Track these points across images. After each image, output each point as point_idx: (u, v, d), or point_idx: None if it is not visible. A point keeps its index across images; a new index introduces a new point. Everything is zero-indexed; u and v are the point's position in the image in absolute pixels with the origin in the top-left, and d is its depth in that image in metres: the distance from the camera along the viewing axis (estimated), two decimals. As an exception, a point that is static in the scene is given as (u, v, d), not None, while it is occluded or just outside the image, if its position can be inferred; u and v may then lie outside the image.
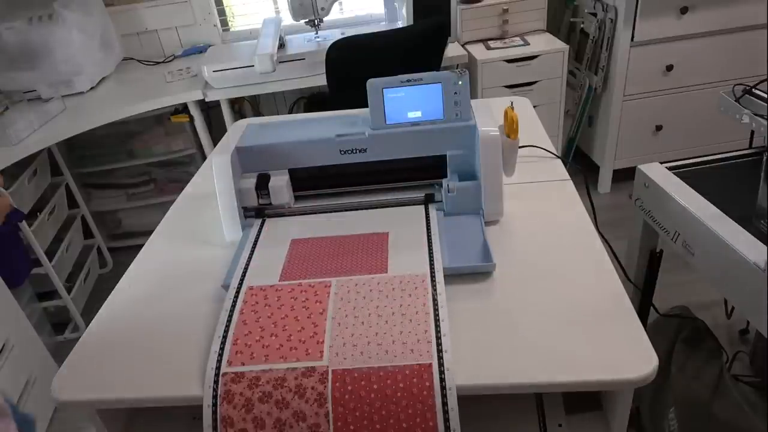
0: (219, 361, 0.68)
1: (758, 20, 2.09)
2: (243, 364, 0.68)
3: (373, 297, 0.74)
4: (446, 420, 0.62)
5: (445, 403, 0.62)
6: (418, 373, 0.64)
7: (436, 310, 0.71)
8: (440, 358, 0.65)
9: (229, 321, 0.74)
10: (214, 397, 0.66)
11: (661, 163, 1.23)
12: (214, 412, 0.65)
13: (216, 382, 0.67)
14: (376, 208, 0.95)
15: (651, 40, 2.11)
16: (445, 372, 0.63)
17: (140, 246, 0.99)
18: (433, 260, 0.80)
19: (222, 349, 0.70)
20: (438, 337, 0.67)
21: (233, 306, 0.76)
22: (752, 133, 1.21)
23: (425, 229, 0.88)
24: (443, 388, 0.63)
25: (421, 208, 0.94)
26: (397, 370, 0.64)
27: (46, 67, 2.04)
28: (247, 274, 0.82)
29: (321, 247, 0.86)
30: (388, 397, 0.63)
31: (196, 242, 0.97)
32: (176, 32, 2.49)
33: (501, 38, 2.36)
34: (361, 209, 0.96)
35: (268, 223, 0.95)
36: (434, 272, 0.77)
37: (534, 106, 1.34)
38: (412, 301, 0.73)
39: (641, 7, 2.03)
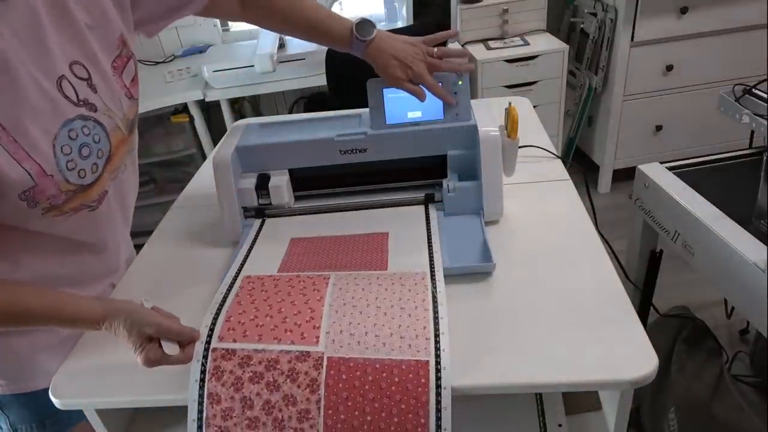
0: (210, 336, 0.67)
1: (758, 20, 2.09)
2: (234, 341, 0.66)
3: (372, 289, 0.73)
4: (438, 419, 0.61)
5: (438, 402, 0.62)
6: (415, 369, 0.63)
7: (435, 307, 0.70)
8: (438, 356, 0.64)
9: (223, 302, 0.72)
10: (202, 372, 0.64)
11: (661, 163, 1.23)
12: (201, 387, 0.64)
13: (205, 357, 0.65)
14: (376, 208, 0.95)
15: (651, 40, 2.11)
16: (442, 371, 0.63)
17: (140, 246, 0.99)
18: (433, 260, 0.79)
19: (213, 324, 0.68)
20: (437, 335, 0.66)
21: (228, 290, 0.75)
22: (752, 133, 1.21)
23: (425, 229, 0.88)
24: (438, 386, 0.62)
25: (421, 208, 0.94)
26: (394, 364, 0.64)
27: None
28: (244, 267, 0.81)
29: (321, 246, 0.86)
30: (383, 390, 0.63)
31: (196, 242, 0.97)
32: (176, 32, 2.48)
33: (501, 38, 2.35)
34: (361, 209, 0.95)
35: (268, 223, 0.95)
36: (434, 272, 0.77)
37: (534, 106, 1.34)
38: (411, 295, 0.72)
39: (641, 7, 2.02)
